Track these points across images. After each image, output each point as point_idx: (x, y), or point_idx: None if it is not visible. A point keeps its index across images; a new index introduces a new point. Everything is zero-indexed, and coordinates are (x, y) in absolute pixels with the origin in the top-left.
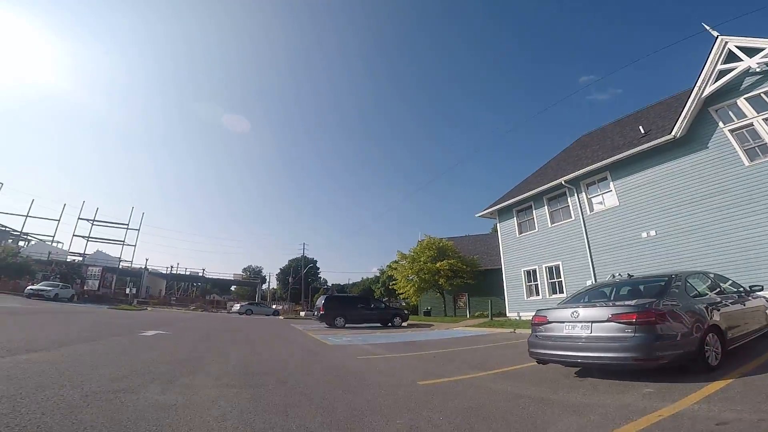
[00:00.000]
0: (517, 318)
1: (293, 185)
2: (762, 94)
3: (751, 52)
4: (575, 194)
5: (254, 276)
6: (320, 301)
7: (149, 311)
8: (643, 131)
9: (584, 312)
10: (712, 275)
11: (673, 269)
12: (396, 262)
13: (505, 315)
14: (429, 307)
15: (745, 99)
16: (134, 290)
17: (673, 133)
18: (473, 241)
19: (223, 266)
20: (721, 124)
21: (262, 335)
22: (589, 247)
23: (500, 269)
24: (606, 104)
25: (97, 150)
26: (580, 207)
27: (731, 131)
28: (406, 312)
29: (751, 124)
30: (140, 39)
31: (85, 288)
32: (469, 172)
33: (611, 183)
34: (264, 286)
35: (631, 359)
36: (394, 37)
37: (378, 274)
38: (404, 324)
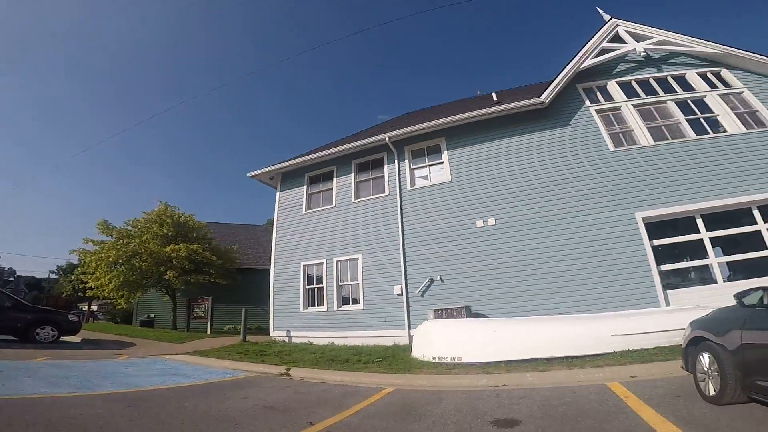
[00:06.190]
0: (287, 340)
1: None
2: (634, 82)
3: (639, 38)
4: (395, 161)
5: None
6: None
7: None
8: (496, 98)
9: None
10: None
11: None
12: (94, 242)
13: (268, 333)
14: (152, 315)
15: (617, 83)
16: None
17: (542, 97)
18: (236, 231)
19: None
20: (587, 103)
21: None
22: (402, 235)
23: (267, 271)
24: None
25: None
26: (399, 178)
27: (597, 111)
28: (73, 320)
29: (619, 108)
30: None
31: None
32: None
33: (444, 153)
34: None
35: None
36: None
37: (76, 262)
38: (67, 339)
